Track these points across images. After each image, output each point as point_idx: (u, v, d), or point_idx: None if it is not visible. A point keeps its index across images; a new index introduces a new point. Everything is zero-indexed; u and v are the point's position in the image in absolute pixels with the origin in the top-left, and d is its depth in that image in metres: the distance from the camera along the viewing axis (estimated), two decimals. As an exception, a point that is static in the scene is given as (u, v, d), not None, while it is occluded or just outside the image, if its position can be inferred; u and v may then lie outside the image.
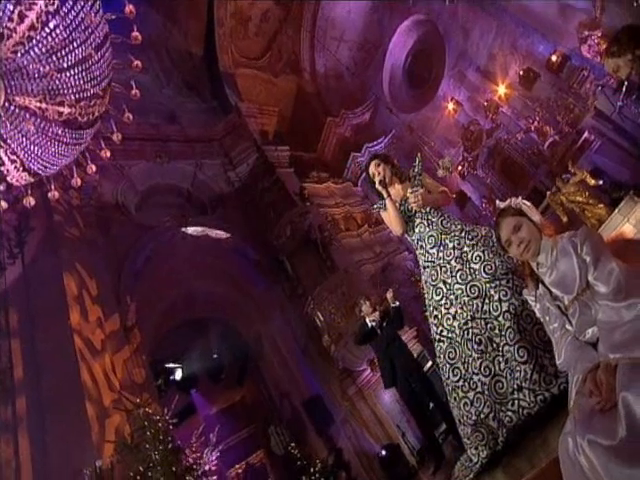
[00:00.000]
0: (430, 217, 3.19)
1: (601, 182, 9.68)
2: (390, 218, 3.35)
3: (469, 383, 2.75)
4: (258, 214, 14.24)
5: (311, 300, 12.24)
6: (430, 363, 9.34)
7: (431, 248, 3.11)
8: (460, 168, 15.21)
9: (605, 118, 11.61)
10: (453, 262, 2.96)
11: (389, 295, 6.04)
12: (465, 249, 2.96)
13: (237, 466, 14.15)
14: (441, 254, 3.04)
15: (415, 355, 9.94)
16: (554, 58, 12.78)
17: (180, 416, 10.00)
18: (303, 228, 13.12)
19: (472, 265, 2.87)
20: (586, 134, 12.01)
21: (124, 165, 13.99)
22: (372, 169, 3.48)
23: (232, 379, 15.95)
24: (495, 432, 2.59)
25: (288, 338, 13.55)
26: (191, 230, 13.25)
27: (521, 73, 13.71)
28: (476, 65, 15.50)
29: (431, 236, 3.13)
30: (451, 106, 15.68)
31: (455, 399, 2.84)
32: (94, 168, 5.54)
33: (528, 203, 2.09)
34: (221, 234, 13.51)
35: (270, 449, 12.90)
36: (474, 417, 2.68)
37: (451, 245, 3.02)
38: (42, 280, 10.27)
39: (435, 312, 3.01)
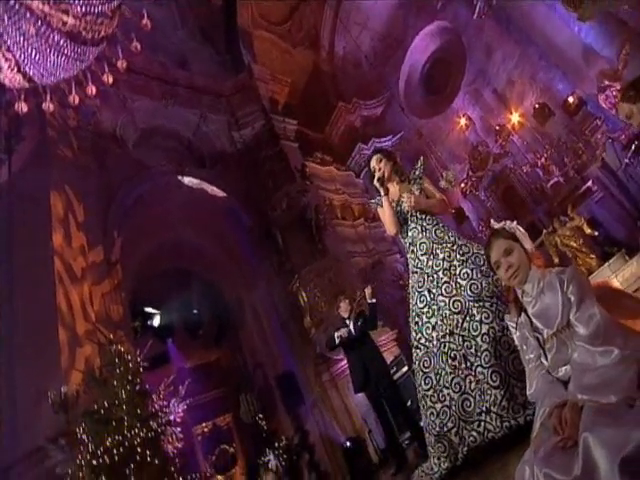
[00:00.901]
0: (425, 223, 3.19)
1: (596, 233, 9.97)
2: (385, 217, 3.36)
3: (438, 395, 2.80)
4: (257, 181, 14.18)
5: (297, 279, 12.31)
6: (406, 368, 9.60)
7: (422, 255, 3.12)
8: (463, 185, 15.50)
9: (611, 172, 11.93)
10: (441, 273, 2.97)
11: (367, 291, 6.09)
12: (455, 263, 2.96)
13: (204, 424, 14.34)
14: (430, 262, 3.05)
15: (393, 357, 10.23)
16: (571, 100, 13.15)
17: (152, 362, 10.07)
18: (299, 205, 13.17)
19: (459, 280, 2.89)
20: (590, 183, 12.35)
21: (127, 98, 13.74)
22: (373, 163, 3.47)
23: (209, 338, 16.01)
24: (456, 447, 2.66)
25: (270, 310, 13.62)
26: (187, 180, 13.14)
27: (536, 106, 14.03)
28: (494, 87, 15.84)
29: (423, 243, 3.13)
30: (463, 121, 15.94)
31: (424, 407, 2.90)
32: (94, 90, 5.38)
33: (522, 230, 2.08)
34: (217, 191, 13.45)
35: (239, 415, 12.95)
36: (437, 428, 2.75)
37: (441, 256, 3.02)
38: (28, 193, 10.09)
39: (417, 319, 3.04)
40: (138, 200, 11.98)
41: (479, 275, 2.85)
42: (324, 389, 11.91)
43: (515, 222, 2.12)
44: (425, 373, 2.90)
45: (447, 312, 2.84)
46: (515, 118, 14.47)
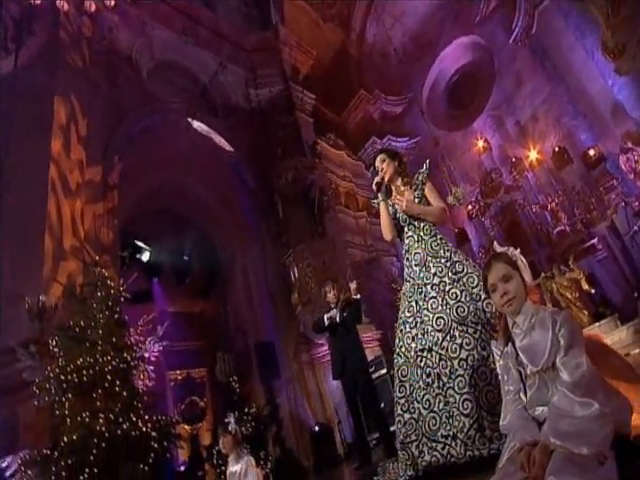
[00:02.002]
0: (422, 233, 3.22)
1: (593, 291, 10.50)
2: (382, 221, 3.43)
3: (409, 405, 2.91)
4: (266, 145, 14.41)
5: (292, 253, 12.63)
6: (385, 370, 9.90)
7: (415, 265, 3.17)
8: (470, 207, 15.89)
9: (617, 235, 12.32)
10: (429, 287, 3.02)
11: (353, 286, 6.27)
12: (445, 279, 3.00)
13: (178, 372, 14.74)
14: (422, 274, 3.10)
15: (374, 357, 10.54)
16: (592, 152, 13.42)
17: (135, 296, 10.17)
18: (305, 181, 13.44)
19: (447, 298, 2.93)
20: (595, 240, 12.70)
21: (147, 23, 13.71)
22: (377, 163, 3.51)
23: (196, 288, 16.26)
24: (415, 459, 2.79)
25: (260, 276, 13.89)
26: (197, 125, 13.25)
27: (556, 149, 14.36)
28: (517, 118, 16.27)
29: (417, 253, 3.18)
30: (481, 144, 16.36)
31: (395, 412, 3.01)
32: (112, 2, 5.44)
33: (524, 260, 2.10)
34: (225, 145, 13.60)
35: (214, 372, 13.15)
36: (402, 437, 2.90)
37: (433, 270, 3.06)
38: (32, 91, 10.03)
39: (401, 326, 3.12)
40: (145, 131, 12.02)
41: (468, 298, 2.91)
42: (301, 369, 12.40)
43: (518, 250, 2.16)
44: (401, 381, 3.01)
45: (429, 327, 2.91)
46: (533, 155, 14.86)
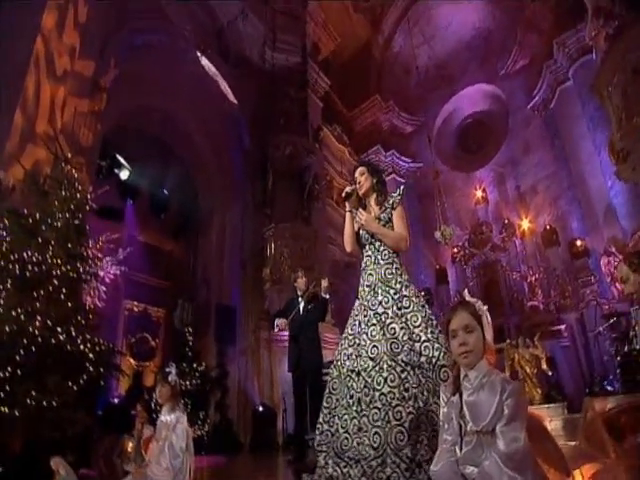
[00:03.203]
0: (379, 257, 3.36)
1: (550, 373, 11.32)
2: (345, 231, 3.57)
3: (330, 418, 3.15)
4: (270, 111, 14.57)
5: (273, 228, 12.85)
6: None
7: (367, 286, 3.32)
8: (456, 251, 16.92)
9: (583, 331, 13.73)
10: (372, 314, 3.16)
11: (324, 284, 6.45)
12: (388, 312, 3.12)
13: (136, 303, 14.89)
14: (369, 297, 3.24)
15: (330, 359, 10.79)
16: (579, 243, 14.75)
17: (104, 212, 10.03)
18: (301, 162, 13.68)
19: (385, 330, 3.06)
20: (562, 327, 14.06)
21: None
22: (357, 174, 3.62)
23: (169, 226, 16.25)
24: (321, 468, 3.05)
25: (236, 238, 14.06)
26: (205, 62, 13.22)
27: (547, 227, 15.62)
28: (518, 183, 17.41)
29: (370, 275, 3.33)
30: (479, 194, 17.46)
31: (318, 418, 3.28)
32: None
33: (489, 319, 2.20)
34: (229, 94, 13.64)
35: (171, 317, 13.38)
36: (316, 443, 3.17)
37: (380, 298, 3.19)
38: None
39: (342, 341, 3.31)
40: (148, 46, 11.83)
41: (405, 337, 3.01)
42: (258, 345, 12.73)
43: (486, 307, 2.25)
44: (330, 393, 3.24)
45: (363, 352, 3.06)
46: (525, 224, 16.13)
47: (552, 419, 8.87)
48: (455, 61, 20.55)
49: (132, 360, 13.87)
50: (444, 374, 2.85)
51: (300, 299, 6.56)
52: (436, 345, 2.95)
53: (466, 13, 19.65)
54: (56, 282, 6.52)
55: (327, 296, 6.46)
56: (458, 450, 2.03)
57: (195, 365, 11.52)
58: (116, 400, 11.70)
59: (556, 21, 15.66)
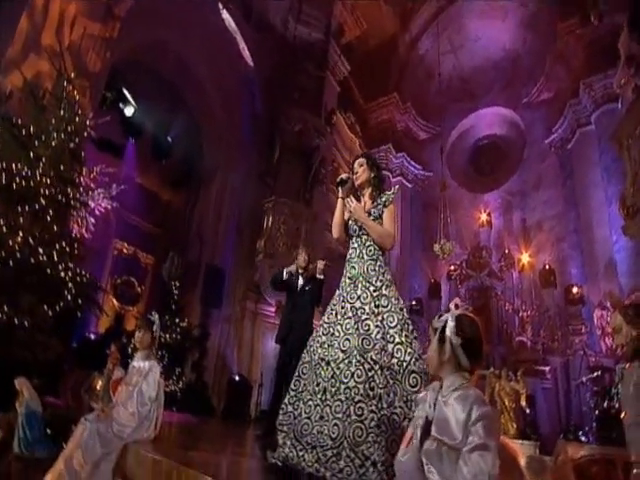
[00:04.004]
0: (365, 251, 3.48)
1: (528, 411, 11.74)
2: (334, 217, 3.69)
3: (295, 401, 3.29)
4: (285, 82, 14.75)
5: (273, 201, 13.17)
6: None
7: (348, 278, 3.46)
8: (452, 268, 17.29)
9: (567, 377, 14.25)
10: (349, 306, 3.29)
11: (320, 265, 6.75)
12: (365, 308, 3.23)
13: (126, 245, 15.03)
14: (349, 289, 3.38)
15: None
16: (575, 290, 15.21)
17: (104, 144, 9.99)
18: (310, 142, 13.88)
19: (359, 325, 3.16)
20: (547, 369, 14.49)
21: None
22: (356, 165, 3.72)
23: (169, 175, 16.26)
24: (279, 447, 3.23)
25: (235, 202, 14.29)
26: (225, 15, 13.38)
27: (547, 267, 16.02)
28: (525, 216, 17.82)
29: (353, 267, 3.46)
30: (484, 218, 17.89)
31: (284, 398, 3.42)
32: None
33: (455, 342, 2.10)
34: (247, 55, 13.87)
35: (160, 267, 13.59)
36: (277, 422, 3.32)
37: (359, 292, 3.32)
38: None
39: (319, 328, 3.44)
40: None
41: (379, 336, 3.10)
42: (243, 315, 13.17)
43: (453, 324, 2.16)
44: (299, 377, 3.36)
45: (335, 343, 3.20)
46: (525, 259, 16.58)
47: (524, 456, 9.22)
48: (480, 78, 20.90)
49: (115, 301, 14.21)
50: (413, 379, 2.98)
51: (300, 277, 6.77)
52: (409, 350, 3.06)
53: (498, 31, 19.98)
54: (43, 202, 6.60)
55: (322, 277, 6.70)
56: (420, 455, 2.05)
57: (177, 320, 11.79)
58: (92, 336, 11.91)
59: (587, 60, 15.95)
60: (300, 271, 6.78)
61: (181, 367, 11.50)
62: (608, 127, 13.38)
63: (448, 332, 2.11)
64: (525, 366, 12.77)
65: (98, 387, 5.51)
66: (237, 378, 12.36)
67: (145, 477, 3.70)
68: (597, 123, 15.33)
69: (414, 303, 17.55)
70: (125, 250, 15.12)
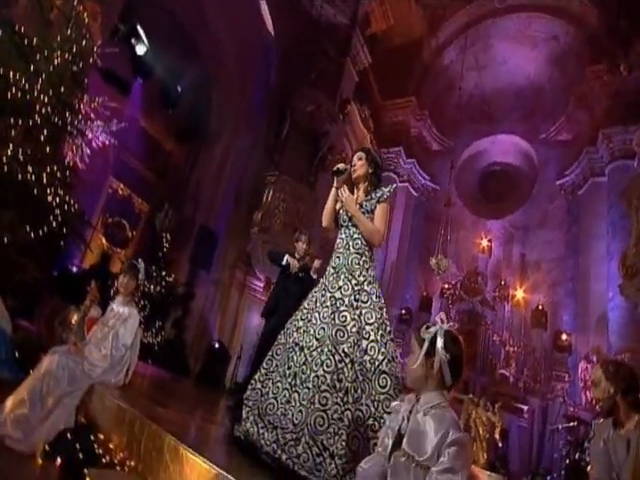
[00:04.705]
0: (352, 244, 3.58)
1: (500, 445, 12.05)
2: (326, 206, 3.85)
3: (264, 379, 3.46)
4: (303, 60, 14.91)
5: (276, 176, 13.43)
6: None
7: (332, 267, 3.57)
8: (446, 287, 17.62)
9: (544, 420, 14.72)
10: (329, 296, 3.41)
11: (316, 264, 6.82)
12: (345, 300, 3.33)
13: (122, 186, 15.03)
14: (332, 279, 3.49)
15: None
16: (564, 337, 15.63)
17: (108, 76, 9.88)
18: (321, 127, 14.09)
19: (336, 316, 3.27)
20: (525, 408, 14.97)
21: None
22: (355, 158, 3.86)
23: (174, 125, 16.12)
24: (242, 420, 3.41)
25: (237, 169, 14.46)
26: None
27: (539, 307, 16.45)
28: (524, 251, 18.19)
29: (338, 257, 3.56)
30: (485, 243, 18.24)
31: (254, 374, 3.60)
32: None
33: (444, 358, 2.12)
34: (269, 23, 14.08)
35: (154, 217, 13.90)
36: (244, 396, 3.52)
37: (341, 283, 3.42)
38: None
39: (298, 312, 3.59)
40: None
41: (354, 330, 3.21)
42: (230, 283, 13.57)
43: (441, 344, 2.17)
44: (272, 357, 3.53)
45: (311, 329, 3.34)
46: (519, 294, 17.01)
47: (491, 484, 9.09)
48: (500, 101, 21.19)
49: (104, 240, 14.29)
50: (383, 380, 3.08)
51: (296, 262, 6.87)
52: (382, 349, 3.16)
53: (525, 59, 20.33)
54: (38, 120, 6.46)
55: (315, 276, 6.72)
56: (386, 463, 2.12)
57: (164, 274, 12.06)
58: (75, 269, 11.83)
59: (610, 109, 16.21)
60: (297, 256, 6.90)
61: (162, 321, 11.74)
62: (620, 182, 13.69)
63: (439, 346, 2.15)
64: (504, 400, 13.26)
65: (73, 321, 5.51)
66: (217, 345, 12.71)
67: (108, 422, 3.77)
68: (610, 176, 15.63)
69: (404, 312, 17.89)
70: (121, 191, 15.16)
